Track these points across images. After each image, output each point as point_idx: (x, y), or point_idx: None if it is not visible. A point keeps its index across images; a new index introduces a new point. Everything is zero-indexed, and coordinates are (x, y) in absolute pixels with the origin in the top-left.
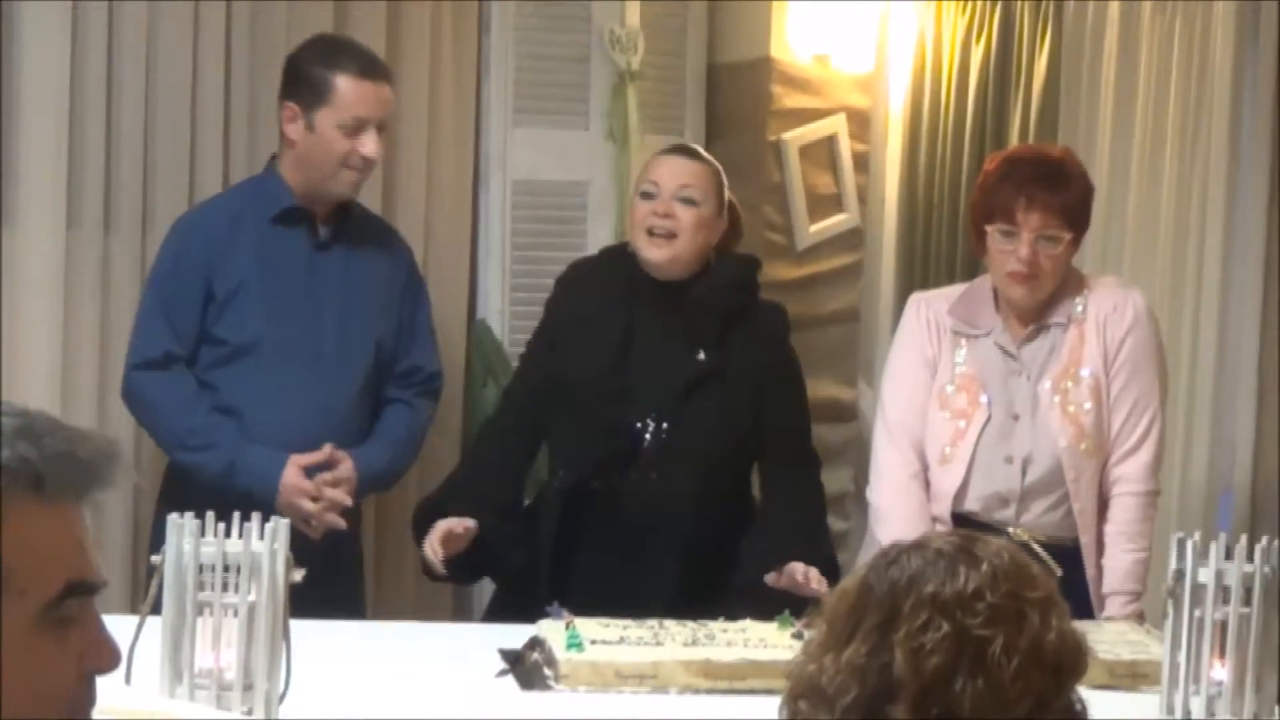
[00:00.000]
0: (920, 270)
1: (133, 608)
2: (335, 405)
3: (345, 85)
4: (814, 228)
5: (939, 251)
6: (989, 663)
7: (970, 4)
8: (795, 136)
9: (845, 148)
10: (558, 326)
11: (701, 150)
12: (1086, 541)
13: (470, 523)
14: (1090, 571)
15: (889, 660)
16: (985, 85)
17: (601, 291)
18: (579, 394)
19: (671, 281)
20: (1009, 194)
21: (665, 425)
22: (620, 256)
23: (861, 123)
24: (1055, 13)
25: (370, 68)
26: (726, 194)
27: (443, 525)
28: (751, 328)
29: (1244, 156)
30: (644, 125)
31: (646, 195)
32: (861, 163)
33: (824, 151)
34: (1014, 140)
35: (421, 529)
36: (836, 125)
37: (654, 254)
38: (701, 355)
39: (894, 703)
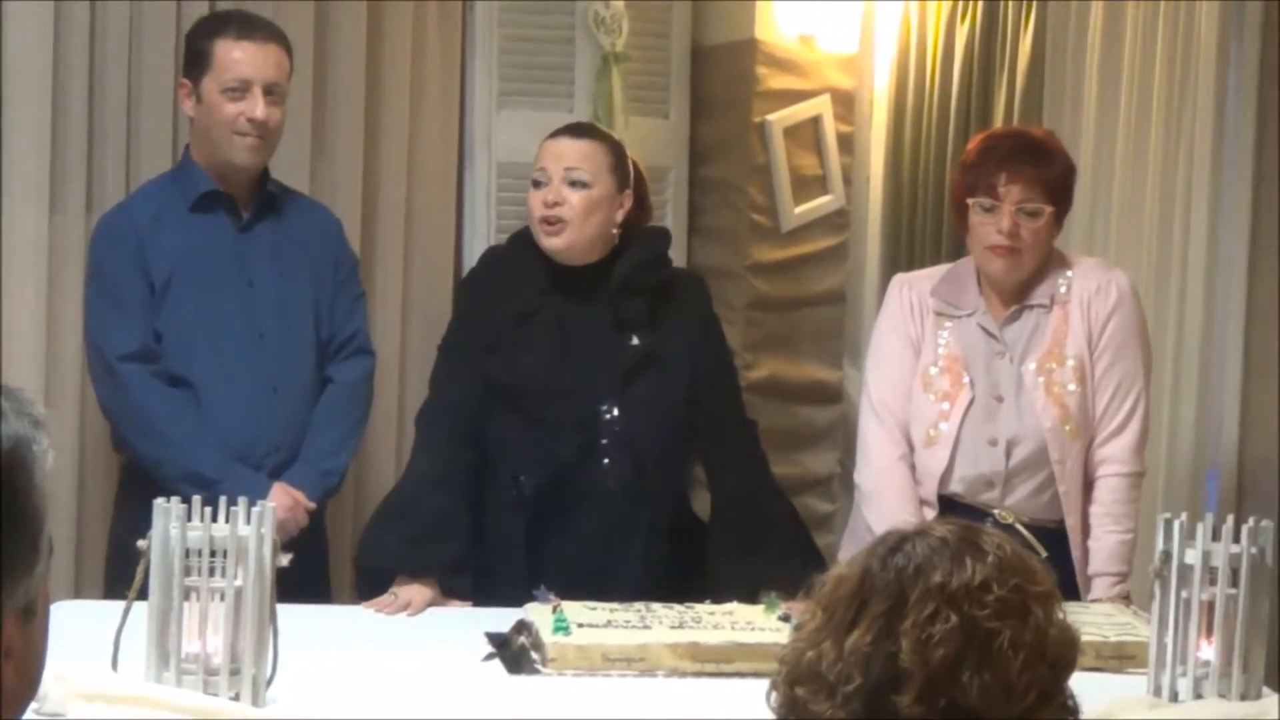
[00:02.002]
0: (906, 251)
1: (77, 592)
2: (283, 382)
3: (224, 47)
4: (799, 209)
5: (924, 232)
6: (996, 655)
7: None
8: (780, 118)
9: (830, 129)
10: (490, 329)
11: (596, 125)
12: (1072, 523)
13: (426, 598)
14: (1076, 553)
15: (895, 649)
16: (970, 65)
17: (524, 286)
18: (529, 397)
19: (588, 266)
20: (990, 168)
21: (615, 414)
22: (530, 244)
23: (846, 103)
24: None
25: (249, 28)
26: (631, 167)
27: (401, 602)
28: (677, 303)
29: (1229, 134)
30: (629, 107)
31: (536, 183)
32: (846, 144)
33: (809, 132)
34: (999, 121)
35: (368, 558)
36: (821, 106)
37: (550, 243)
38: (635, 340)
39: (900, 692)
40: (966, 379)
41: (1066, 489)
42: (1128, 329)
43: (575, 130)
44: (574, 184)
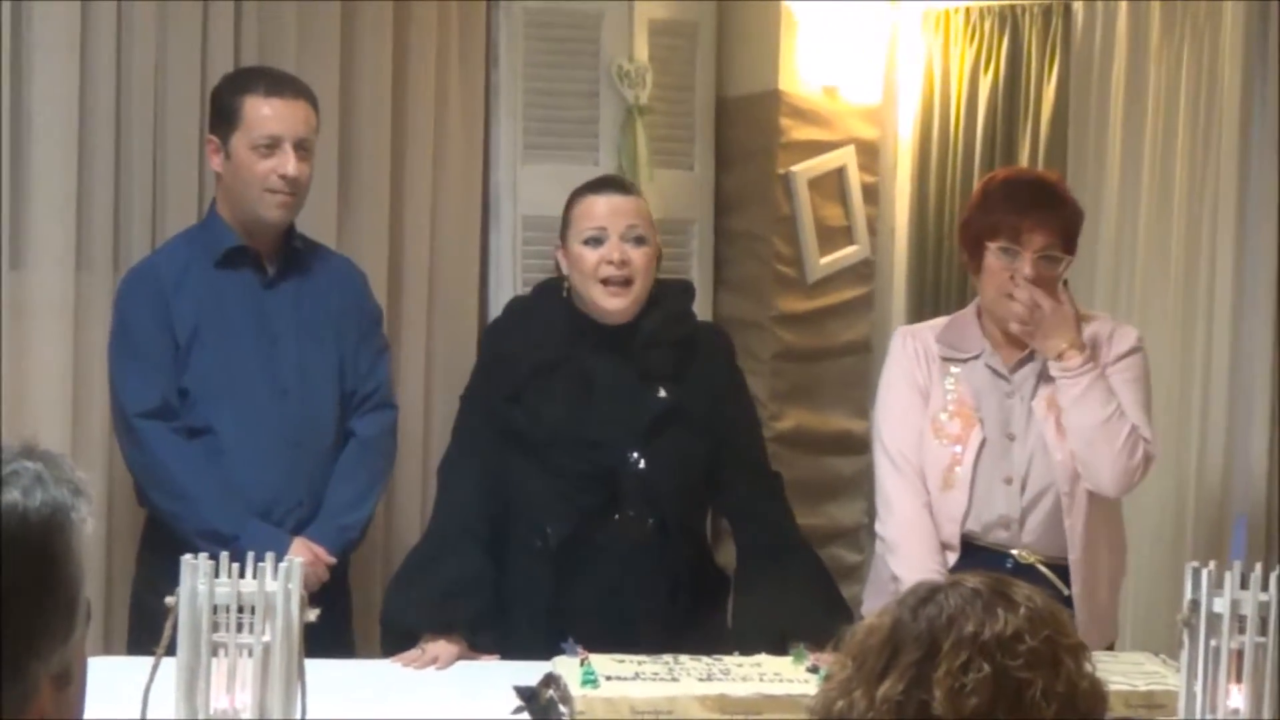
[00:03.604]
0: (931, 301)
1: (105, 649)
2: (306, 439)
3: (253, 104)
4: (824, 260)
5: (949, 282)
6: (1028, 706)
7: (978, 33)
8: (804, 169)
9: (855, 179)
10: (514, 379)
11: (625, 178)
12: (1075, 558)
13: (453, 653)
14: (1076, 588)
15: (928, 698)
16: (994, 114)
17: (549, 337)
18: (552, 448)
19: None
20: (1015, 214)
21: (640, 466)
22: (556, 296)
23: (871, 154)
24: (1063, 41)
25: (278, 85)
26: None
27: (429, 656)
28: (701, 356)
29: (1253, 182)
30: (653, 159)
31: (595, 241)
32: (871, 194)
33: (833, 183)
34: None
35: (394, 615)
36: (846, 157)
37: (615, 304)
38: (662, 392)
39: None
40: (978, 420)
41: (1072, 523)
42: (1135, 375)
43: (621, 186)
44: (635, 241)
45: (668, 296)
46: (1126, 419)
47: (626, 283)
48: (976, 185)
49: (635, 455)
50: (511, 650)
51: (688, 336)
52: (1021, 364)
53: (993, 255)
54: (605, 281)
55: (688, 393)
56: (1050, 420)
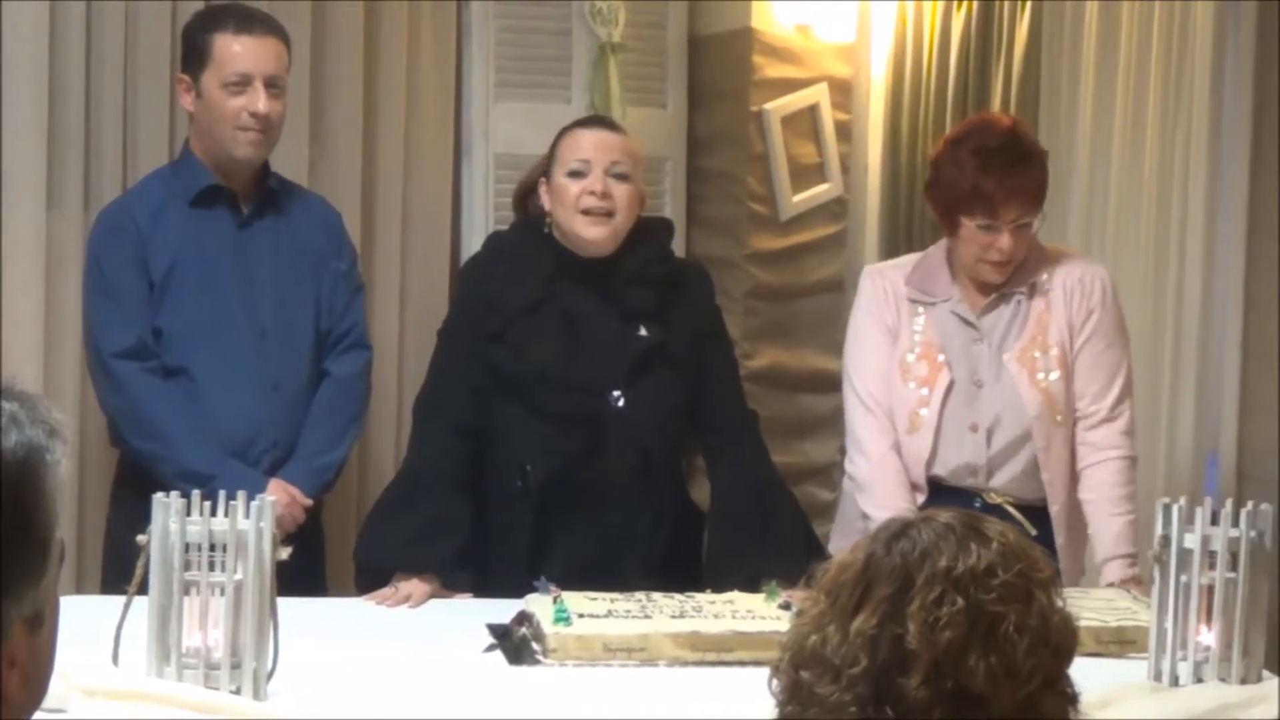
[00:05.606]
0: (904, 239)
1: (78, 589)
2: (284, 379)
3: (223, 42)
4: (797, 198)
5: (922, 220)
6: (1001, 639)
7: None
8: (777, 106)
9: (828, 117)
10: (497, 318)
11: (616, 121)
12: (1056, 510)
13: (426, 591)
14: (1060, 539)
15: (901, 632)
16: (967, 52)
17: (532, 275)
18: (537, 389)
19: (597, 258)
20: (988, 187)
21: (622, 404)
22: (538, 234)
23: (844, 92)
24: None
25: (247, 22)
26: None
27: (402, 595)
28: (682, 294)
29: (1226, 122)
30: (626, 97)
31: (577, 174)
32: (844, 132)
33: (806, 121)
34: (996, 108)
35: (368, 554)
36: (819, 95)
37: (594, 232)
38: (643, 331)
39: (906, 674)
40: (943, 361)
41: (1050, 477)
42: (1113, 318)
43: (610, 124)
44: (618, 177)
45: (649, 234)
46: (1134, 502)
47: (607, 214)
48: (942, 142)
49: (617, 395)
50: (490, 590)
51: (670, 274)
52: (989, 309)
53: (968, 228)
54: (586, 212)
55: (669, 332)
56: (1024, 374)
